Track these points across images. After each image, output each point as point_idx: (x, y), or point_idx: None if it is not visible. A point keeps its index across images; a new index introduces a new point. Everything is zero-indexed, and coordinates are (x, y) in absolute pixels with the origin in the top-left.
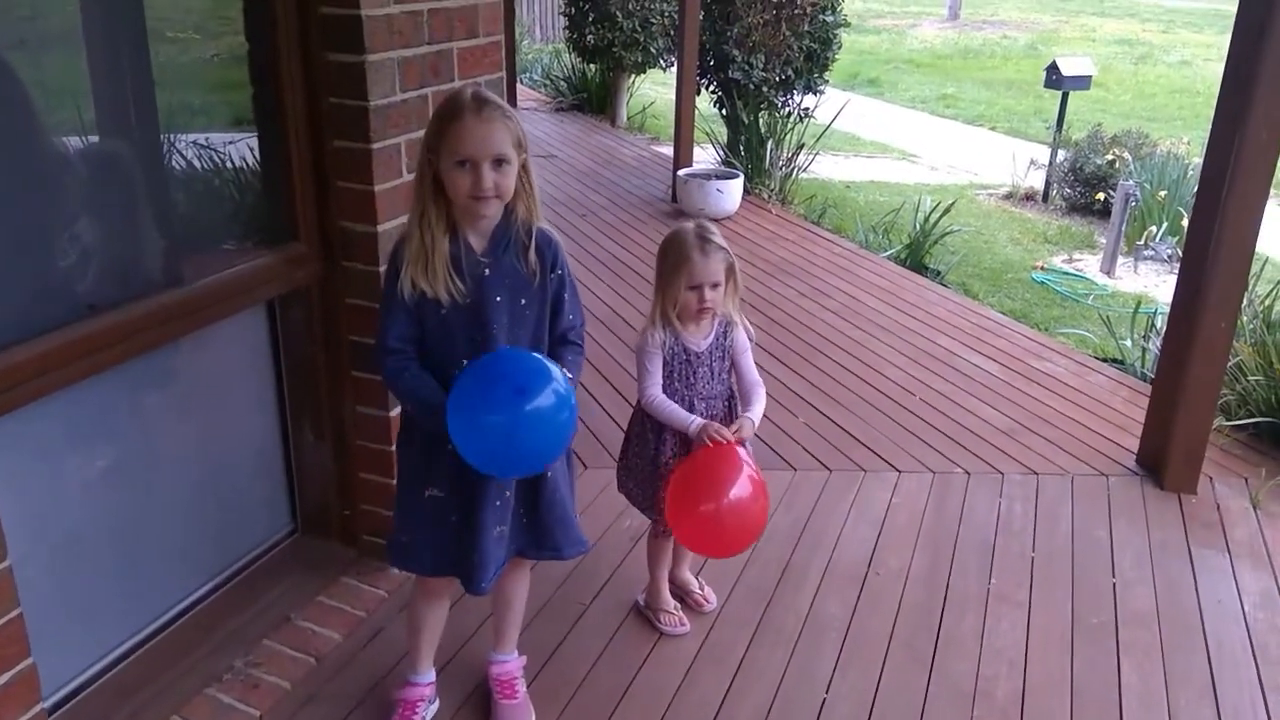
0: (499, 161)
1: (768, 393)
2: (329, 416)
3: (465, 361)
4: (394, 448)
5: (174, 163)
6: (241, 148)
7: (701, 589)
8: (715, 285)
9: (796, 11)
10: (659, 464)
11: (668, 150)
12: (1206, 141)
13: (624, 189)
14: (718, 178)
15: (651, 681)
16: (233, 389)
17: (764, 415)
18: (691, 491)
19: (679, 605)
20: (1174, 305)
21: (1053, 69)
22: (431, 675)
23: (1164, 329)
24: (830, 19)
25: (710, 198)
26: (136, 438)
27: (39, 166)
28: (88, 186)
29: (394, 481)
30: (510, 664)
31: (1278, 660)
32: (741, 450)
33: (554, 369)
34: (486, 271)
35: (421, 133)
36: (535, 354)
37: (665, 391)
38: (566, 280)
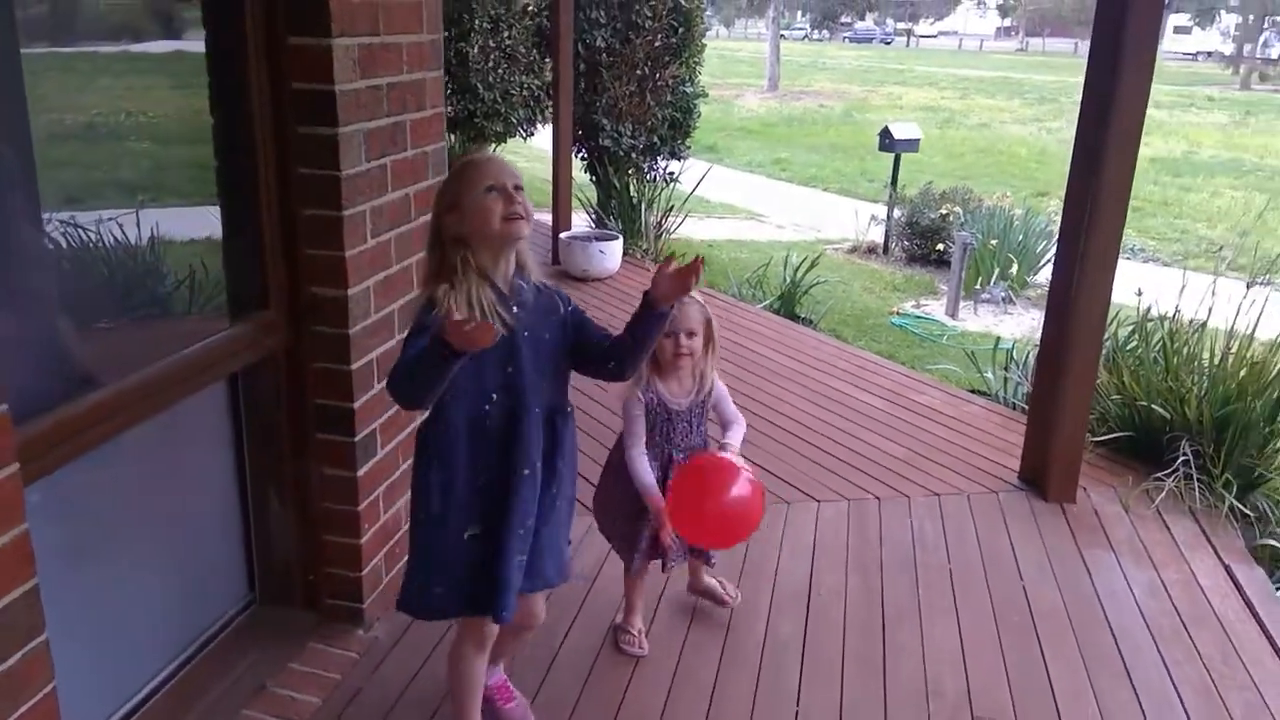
0: (519, 189)
1: None
2: (292, 480)
3: (494, 395)
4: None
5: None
6: (208, 220)
7: (724, 587)
8: (691, 334)
9: (659, 83)
10: (639, 503)
11: (539, 215)
12: (1064, 198)
13: None
14: (598, 239)
15: (638, 701)
16: (193, 460)
17: None
18: (690, 494)
19: (642, 630)
20: (1043, 341)
21: (885, 133)
22: None
23: (1023, 361)
24: (689, 90)
25: (593, 259)
26: (92, 520)
27: None
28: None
29: (360, 541)
30: (499, 673)
31: (1172, 639)
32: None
33: None
34: (515, 309)
35: (383, 200)
36: None
37: (646, 443)
38: (577, 309)
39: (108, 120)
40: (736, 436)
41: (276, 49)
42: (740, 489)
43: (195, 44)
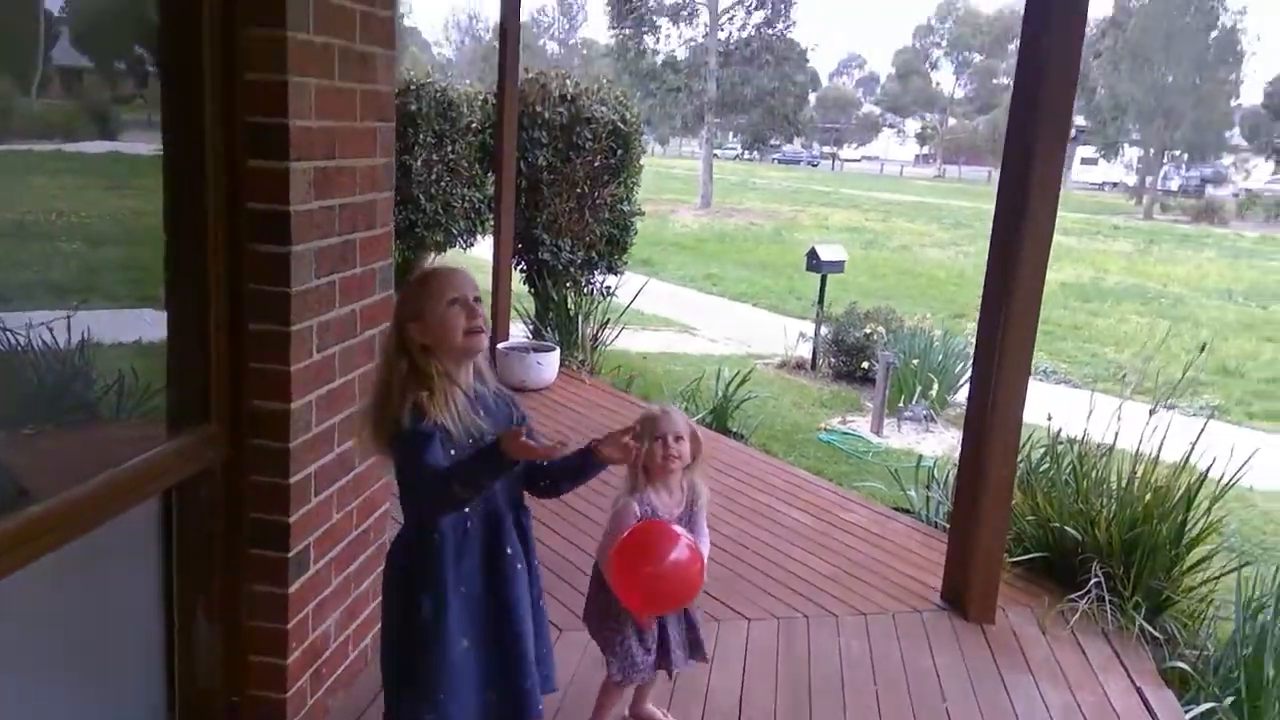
0: (478, 300)
1: None
2: (220, 597)
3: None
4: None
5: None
6: (151, 331)
7: (665, 716)
8: (679, 438)
9: (598, 201)
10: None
11: None
12: (979, 322)
13: None
14: (536, 350)
15: None
16: (117, 577)
17: None
18: (632, 560)
19: None
20: (961, 461)
21: (813, 254)
22: None
23: (944, 479)
24: (627, 208)
25: (530, 370)
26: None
27: None
28: None
29: (286, 662)
30: None
31: None
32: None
33: None
34: (482, 412)
35: (330, 315)
36: None
37: None
38: (526, 416)
39: (39, 220)
40: (703, 549)
41: (236, 170)
42: (679, 554)
43: (131, 145)
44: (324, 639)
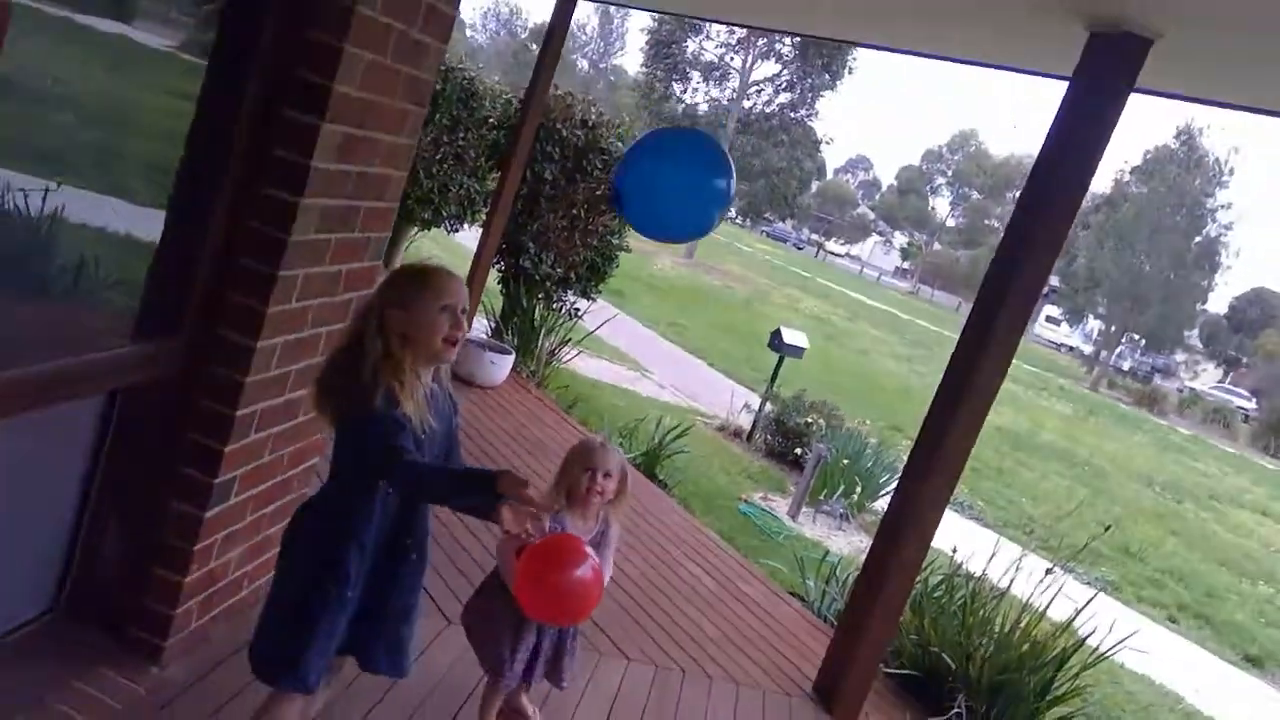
0: (464, 311)
1: None
2: (141, 506)
3: None
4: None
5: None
6: (119, 223)
7: (533, 714)
8: (608, 475)
9: (590, 226)
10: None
11: None
12: (915, 440)
13: None
14: (492, 350)
15: None
16: (45, 457)
17: None
18: (540, 564)
19: None
20: (867, 563)
21: (777, 335)
22: None
23: (844, 579)
24: (615, 240)
25: (483, 367)
26: None
27: None
28: None
29: (184, 580)
30: None
31: None
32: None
33: None
34: (434, 412)
35: (317, 270)
36: None
37: None
38: (458, 426)
39: (34, 84)
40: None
41: (269, 115)
42: (584, 573)
43: (144, 34)
44: (224, 568)
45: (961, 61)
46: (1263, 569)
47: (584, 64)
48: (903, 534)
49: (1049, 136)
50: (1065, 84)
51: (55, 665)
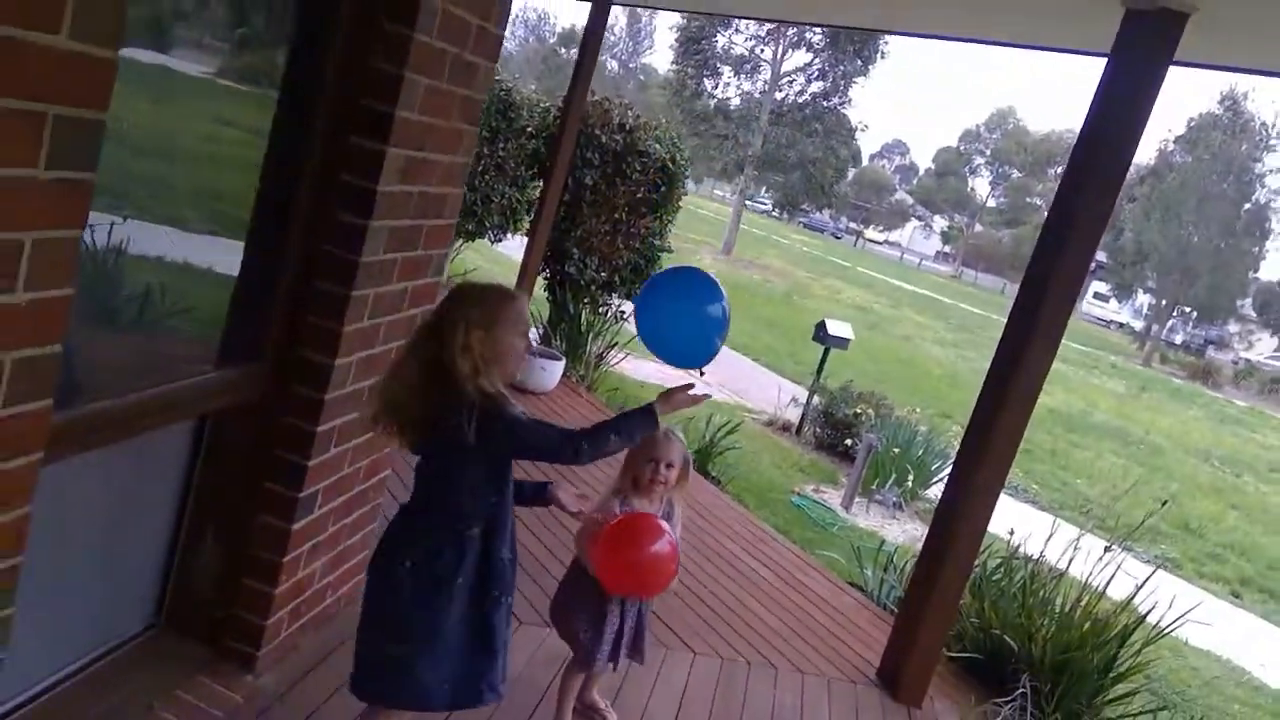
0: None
1: None
2: (231, 522)
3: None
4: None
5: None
6: (177, 251)
7: (606, 709)
8: (670, 465)
9: (632, 229)
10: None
11: None
12: (966, 426)
13: None
14: (543, 356)
15: None
16: (143, 481)
17: None
18: (619, 542)
19: None
20: (923, 554)
21: (821, 327)
22: None
23: (901, 566)
24: (657, 242)
25: (533, 374)
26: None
27: None
28: None
29: (275, 591)
30: None
31: None
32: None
33: None
34: None
35: (386, 288)
36: None
37: None
38: None
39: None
40: None
41: (336, 143)
42: (661, 546)
43: (181, 64)
44: (310, 579)
45: (1000, 44)
46: None
47: (614, 64)
48: (958, 520)
49: (1089, 115)
50: (1104, 60)
51: (160, 676)
